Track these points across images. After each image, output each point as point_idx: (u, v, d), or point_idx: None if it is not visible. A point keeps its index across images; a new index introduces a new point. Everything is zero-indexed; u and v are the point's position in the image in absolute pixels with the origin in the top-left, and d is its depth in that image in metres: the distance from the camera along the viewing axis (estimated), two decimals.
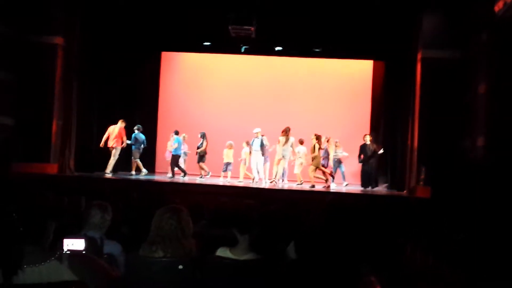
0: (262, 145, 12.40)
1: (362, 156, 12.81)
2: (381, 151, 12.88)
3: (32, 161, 11.04)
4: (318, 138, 11.90)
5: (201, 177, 12.63)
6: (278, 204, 5.66)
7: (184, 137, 13.12)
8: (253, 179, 12.26)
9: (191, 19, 12.19)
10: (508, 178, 7.98)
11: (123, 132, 12.20)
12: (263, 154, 12.43)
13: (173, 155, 12.70)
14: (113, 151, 12.03)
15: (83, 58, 12.13)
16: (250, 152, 12.45)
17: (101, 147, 12.10)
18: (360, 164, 12.95)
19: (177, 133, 12.91)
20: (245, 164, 12.58)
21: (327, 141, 12.58)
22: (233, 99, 14.76)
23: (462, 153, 10.29)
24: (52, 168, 11.40)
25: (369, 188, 12.53)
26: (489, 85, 9.61)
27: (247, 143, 12.59)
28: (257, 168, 12.29)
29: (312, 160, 11.95)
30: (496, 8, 9.03)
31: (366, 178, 12.80)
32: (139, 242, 3.33)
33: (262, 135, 12.47)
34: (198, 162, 12.76)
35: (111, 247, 3.60)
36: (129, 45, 13.16)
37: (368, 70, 14.40)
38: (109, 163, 12.06)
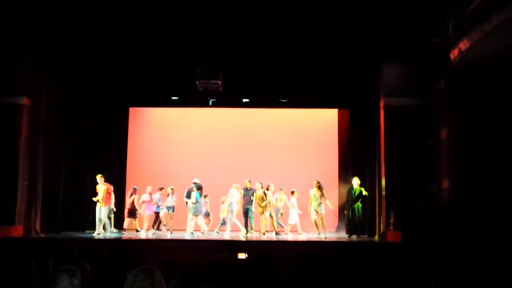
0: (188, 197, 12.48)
1: (350, 201, 12.37)
2: (365, 193, 12.36)
3: None
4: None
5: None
6: (252, 256, 5.64)
7: (172, 189, 12.89)
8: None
9: (158, 75, 12.37)
10: (475, 218, 8.14)
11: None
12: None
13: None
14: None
15: (50, 116, 12.05)
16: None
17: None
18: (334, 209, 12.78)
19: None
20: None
21: (267, 189, 12.51)
22: (202, 151, 14.78)
23: (429, 196, 10.50)
24: (17, 231, 11.05)
25: (354, 237, 12.00)
26: (450, 129, 9.95)
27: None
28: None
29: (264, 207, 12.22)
30: (452, 56, 9.48)
31: (352, 225, 12.25)
32: None
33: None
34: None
35: None
36: (96, 101, 13.20)
37: (334, 118, 14.69)
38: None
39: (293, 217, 12.77)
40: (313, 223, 12.01)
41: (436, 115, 10.61)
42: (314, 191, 11.93)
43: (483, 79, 9.14)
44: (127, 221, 12.79)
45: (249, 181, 12.70)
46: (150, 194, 12.76)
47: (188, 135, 15.03)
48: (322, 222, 11.94)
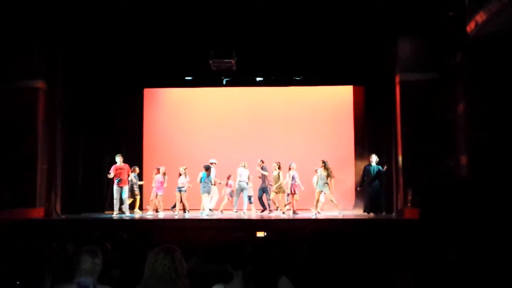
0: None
1: (366, 178, 12.32)
2: (385, 168, 12.24)
3: (17, 206, 10.87)
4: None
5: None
6: (270, 234, 5.68)
7: (184, 169, 12.76)
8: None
9: (172, 55, 12.35)
10: (492, 194, 8.08)
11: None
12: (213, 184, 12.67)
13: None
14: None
15: (66, 99, 12.15)
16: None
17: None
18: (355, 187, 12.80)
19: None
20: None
21: (289, 168, 12.45)
22: (217, 130, 14.81)
23: (446, 172, 10.42)
24: (38, 213, 11.26)
25: (372, 214, 12.01)
26: (467, 104, 9.82)
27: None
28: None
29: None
30: (468, 29, 9.31)
31: (370, 203, 12.27)
32: (132, 285, 3.31)
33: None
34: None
35: None
36: (111, 83, 13.30)
37: (349, 95, 14.60)
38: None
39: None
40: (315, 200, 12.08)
41: (453, 89, 10.46)
42: (321, 171, 11.98)
43: (501, 52, 8.96)
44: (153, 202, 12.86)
45: (262, 161, 12.69)
46: (164, 174, 12.80)
47: (202, 114, 15.05)
48: (332, 200, 11.94)
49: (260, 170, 12.59)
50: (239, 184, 12.55)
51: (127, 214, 12.10)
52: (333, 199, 11.94)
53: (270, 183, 12.58)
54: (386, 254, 4.97)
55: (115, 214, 11.97)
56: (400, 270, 4.13)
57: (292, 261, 4.33)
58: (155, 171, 12.89)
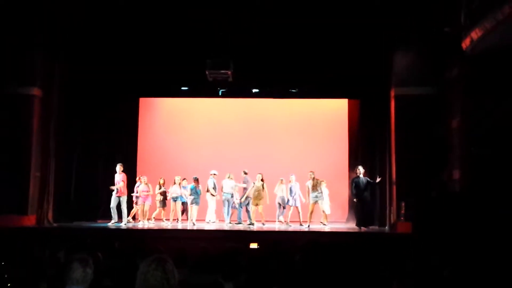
0: (214, 187, 12.63)
1: (355, 190, 12.14)
2: (378, 179, 12.10)
3: (9, 213, 10.79)
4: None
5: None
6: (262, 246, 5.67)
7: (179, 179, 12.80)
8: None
9: (168, 65, 12.36)
10: (484, 209, 8.11)
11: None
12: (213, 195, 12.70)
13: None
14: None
15: (61, 107, 12.13)
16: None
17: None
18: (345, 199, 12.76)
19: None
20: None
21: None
22: (212, 141, 14.79)
23: (439, 187, 10.46)
24: (30, 220, 11.18)
25: (363, 228, 11.75)
26: (462, 119, 9.89)
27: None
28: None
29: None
30: (464, 45, 9.39)
31: (362, 216, 12.02)
32: None
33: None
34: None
35: None
36: (107, 92, 13.30)
37: (344, 108, 14.64)
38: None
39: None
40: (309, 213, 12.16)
41: (448, 105, 10.53)
42: (310, 182, 12.18)
43: (496, 69, 9.04)
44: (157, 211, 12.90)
45: (244, 172, 12.64)
46: (147, 183, 12.67)
47: (198, 125, 15.04)
48: (323, 211, 12.17)
49: (238, 184, 12.54)
50: (224, 196, 12.53)
51: (124, 223, 11.95)
52: (325, 210, 12.06)
53: (250, 196, 12.47)
54: (379, 267, 4.97)
55: (112, 223, 11.86)
56: (392, 283, 4.13)
57: (285, 272, 4.32)
58: (138, 181, 12.75)
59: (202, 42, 11.74)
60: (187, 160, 14.42)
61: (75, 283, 3.66)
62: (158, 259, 3.27)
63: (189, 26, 11.28)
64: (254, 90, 13.47)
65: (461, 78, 9.98)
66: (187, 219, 12.64)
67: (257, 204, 12.27)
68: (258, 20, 11.04)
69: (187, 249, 5.84)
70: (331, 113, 14.85)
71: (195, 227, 11.71)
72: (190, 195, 12.42)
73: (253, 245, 5.74)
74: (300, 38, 11.63)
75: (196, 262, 4.87)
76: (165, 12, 11.19)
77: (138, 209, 12.63)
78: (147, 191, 12.58)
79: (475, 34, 8.82)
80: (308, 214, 12.13)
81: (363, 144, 13.74)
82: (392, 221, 11.40)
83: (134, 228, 11.70)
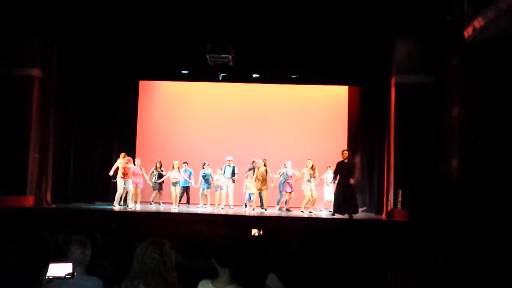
0: (233, 173, 12.67)
1: (338, 176, 11.60)
2: (335, 181, 11.56)
3: (7, 194, 10.82)
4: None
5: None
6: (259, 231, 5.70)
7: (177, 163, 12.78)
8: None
9: (169, 48, 12.32)
10: (483, 199, 8.15)
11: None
12: (233, 182, 12.78)
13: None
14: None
15: (61, 88, 12.10)
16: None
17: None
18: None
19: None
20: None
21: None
22: (211, 126, 14.80)
23: (438, 176, 10.48)
24: (28, 201, 11.21)
25: (340, 216, 11.24)
26: (462, 108, 9.87)
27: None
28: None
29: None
30: (466, 34, 9.34)
31: (340, 203, 11.39)
32: (121, 276, 3.32)
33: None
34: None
35: (92, 283, 3.56)
36: (106, 74, 13.28)
37: (344, 94, 14.63)
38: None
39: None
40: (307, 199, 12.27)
41: (448, 93, 10.51)
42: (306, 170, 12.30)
43: (497, 57, 9.00)
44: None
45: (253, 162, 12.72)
46: (140, 166, 12.66)
47: (197, 109, 15.03)
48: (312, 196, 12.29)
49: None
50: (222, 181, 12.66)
51: (130, 206, 11.92)
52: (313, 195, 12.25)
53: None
54: (374, 254, 5.00)
55: (116, 205, 11.81)
56: (387, 270, 4.16)
57: (281, 259, 4.35)
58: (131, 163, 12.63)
59: (202, 25, 11.66)
60: (186, 144, 14.44)
61: None
62: (155, 242, 3.31)
63: (191, 9, 11.19)
64: (254, 75, 13.42)
65: (462, 67, 9.94)
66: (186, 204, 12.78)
67: (261, 189, 12.29)
68: (259, 5, 10.95)
69: (184, 232, 5.87)
70: (331, 100, 14.84)
71: (199, 211, 11.81)
72: (206, 181, 12.68)
73: (255, 231, 5.76)
74: (301, 24, 11.55)
75: (192, 246, 4.89)
76: None
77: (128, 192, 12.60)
78: (141, 174, 12.57)
79: (477, 23, 8.76)
80: (305, 201, 12.19)
81: (363, 131, 13.75)
82: (389, 208, 11.44)
83: (132, 210, 11.69)
